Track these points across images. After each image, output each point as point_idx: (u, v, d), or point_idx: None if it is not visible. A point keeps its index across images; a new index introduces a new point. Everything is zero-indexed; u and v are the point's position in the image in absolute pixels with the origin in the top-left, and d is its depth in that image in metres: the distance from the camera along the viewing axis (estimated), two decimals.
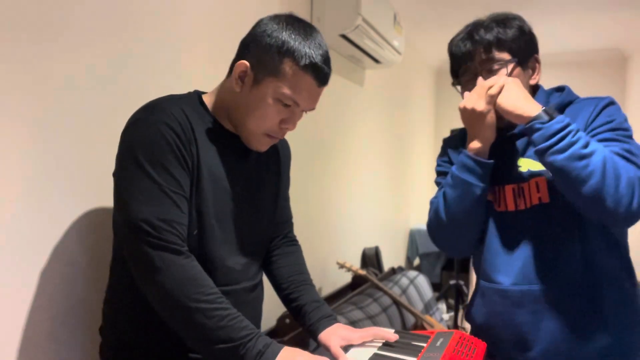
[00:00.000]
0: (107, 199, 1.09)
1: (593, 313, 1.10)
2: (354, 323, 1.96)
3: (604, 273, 1.11)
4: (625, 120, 1.11)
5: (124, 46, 1.27)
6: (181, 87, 1.16)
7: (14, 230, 1.03)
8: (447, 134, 5.29)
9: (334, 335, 1.11)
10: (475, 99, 1.11)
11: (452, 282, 3.46)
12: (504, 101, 1.08)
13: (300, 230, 2.36)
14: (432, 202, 1.26)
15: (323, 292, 2.53)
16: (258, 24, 1.04)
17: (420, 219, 4.66)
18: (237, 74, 1.02)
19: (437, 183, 1.30)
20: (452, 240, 1.23)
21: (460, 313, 3.41)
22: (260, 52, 1.00)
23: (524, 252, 1.14)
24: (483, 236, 1.21)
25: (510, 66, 1.14)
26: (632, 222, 1.03)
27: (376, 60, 2.80)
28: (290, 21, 1.02)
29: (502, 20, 1.16)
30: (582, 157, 0.99)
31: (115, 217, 1.00)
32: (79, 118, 1.15)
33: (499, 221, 1.18)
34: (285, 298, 1.22)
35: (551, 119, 1.03)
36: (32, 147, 1.05)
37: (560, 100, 1.17)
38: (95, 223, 1.20)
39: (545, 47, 4.43)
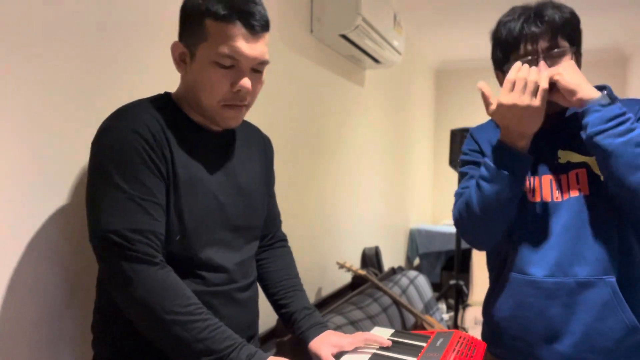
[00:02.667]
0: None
1: (630, 308, 1.09)
2: (354, 323, 1.96)
3: (639, 269, 1.11)
4: None
5: (114, 45, 1.26)
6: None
7: None
8: (447, 134, 5.29)
9: (324, 343, 1.08)
10: (518, 95, 1.06)
11: (452, 282, 3.46)
12: (569, 79, 1.05)
13: (300, 230, 2.37)
14: (459, 194, 1.22)
15: (323, 292, 2.53)
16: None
17: (420, 219, 4.67)
18: (176, 57, 1.01)
19: (464, 173, 1.27)
20: (483, 233, 1.18)
21: (460, 313, 3.41)
22: (185, 26, 0.99)
23: (559, 244, 1.12)
24: (512, 228, 1.18)
25: (573, 54, 1.13)
26: None
27: (376, 60, 2.80)
28: None
29: (558, 7, 1.13)
30: (639, 144, 1.00)
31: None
32: (63, 115, 1.13)
33: (533, 212, 1.16)
34: (275, 304, 1.20)
35: (613, 102, 1.04)
36: (10, 142, 1.03)
37: None
38: (78, 226, 1.17)
39: None
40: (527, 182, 1.17)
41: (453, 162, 3.38)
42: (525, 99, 1.05)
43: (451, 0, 3.28)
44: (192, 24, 0.97)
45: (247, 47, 0.96)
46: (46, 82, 1.07)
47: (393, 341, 1.11)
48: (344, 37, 2.35)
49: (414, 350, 1.06)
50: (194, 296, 0.93)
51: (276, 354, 1.45)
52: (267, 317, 1.86)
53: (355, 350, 1.07)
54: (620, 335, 1.08)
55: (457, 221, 1.21)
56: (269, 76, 2.00)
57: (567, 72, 1.06)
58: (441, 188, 5.08)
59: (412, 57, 4.21)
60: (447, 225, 4.52)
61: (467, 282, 3.71)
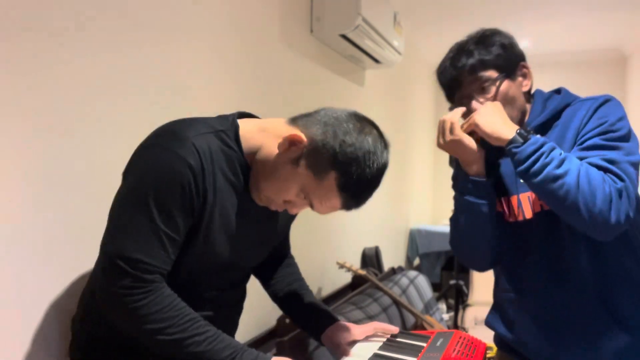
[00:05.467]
0: (87, 202, 1.07)
1: (607, 313, 1.10)
2: (354, 323, 1.96)
3: (615, 271, 1.11)
4: (620, 119, 1.08)
5: (123, 53, 1.26)
6: (179, 89, 1.15)
7: None
8: None
9: (337, 332, 1.13)
10: (441, 135, 1.17)
11: (452, 282, 3.47)
12: (483, 125, 1.10)
13: (300, 230, 2.36)
14: (450, 220, 1.29)
15: (323, 292, 2.53)
16: (344, 118, 1.01)
17: (420, 219, 4.66)
18: (289, 139, 0.94)
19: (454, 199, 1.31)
20: (472, 257, 1.28)
21: (460, 313, 3.41)
22: (320, 143, 0.95)
23: (533, 258, 1.16)
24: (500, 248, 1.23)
25: (498, 82, 1.15)
26: (613, 234, 1.04)
27: (376, 60, 2.80)
28: (368, 133, 1.00)
29: (482, 40, 1.18)
30: (556, 177, 1.01)
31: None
32: (85, 121, 1.15)
33: (510, 231, 1.20)
34: (282, 302, 1.22)
35: (525, 141, 1.05)
36: (32, 148, 1.04)
37: (557, 104, 1.17)
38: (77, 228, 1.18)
39: (545, 47, 4.44)
40: (501, 204, 1.22)
41: (453, 162, 3.38)
42: (446, 136, 1.16)
43: (452, 0, 3.28)
44: (323, 152, 0.94)
45: (329, 210, 1.01)
46: (70, 88, 1.07)
47: (393, 341, 1.12)
48: (344, 37, 2.35)
49: (414, 350, 1.06)
50: (190, 310, 0.92)
51: (276, 354, 1.44)
52: (267, 317, 1.86)
53: (366, 339, 1.16)
54: (601, 340, 1.10)
55: (451, 245, 1.31)
56: (269, 76, 2.00)
57: (480, 120, 1.11)
58: (441, 188, 5.08)
59: (412, 57, 4.21)
60: (447, 225, 4.51)
61: (467, 282, 3.71)
